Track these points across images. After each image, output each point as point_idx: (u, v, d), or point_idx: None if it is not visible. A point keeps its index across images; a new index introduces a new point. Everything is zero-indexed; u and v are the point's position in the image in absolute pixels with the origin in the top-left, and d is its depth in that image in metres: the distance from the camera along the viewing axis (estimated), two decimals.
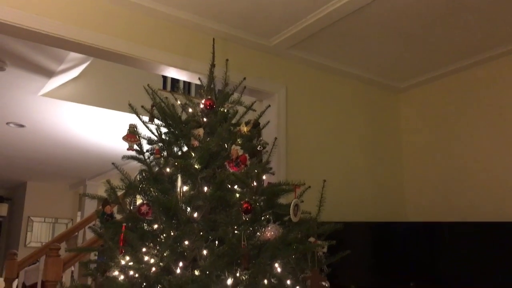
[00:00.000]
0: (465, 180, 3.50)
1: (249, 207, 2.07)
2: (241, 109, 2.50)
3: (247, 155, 2.23)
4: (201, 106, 2.38)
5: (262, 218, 2.23)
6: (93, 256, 2.76)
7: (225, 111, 2.43)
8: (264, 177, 2.31)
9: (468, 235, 2.96)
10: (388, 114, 4.04)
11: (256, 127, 2.44)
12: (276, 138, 2.52)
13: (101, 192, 2.42)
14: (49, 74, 3.77)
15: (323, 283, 2.06)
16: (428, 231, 3.04)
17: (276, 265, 2.13)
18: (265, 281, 2.07)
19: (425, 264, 2.96)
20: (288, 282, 2.15)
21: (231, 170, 2.20)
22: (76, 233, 4.32)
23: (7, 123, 4.96)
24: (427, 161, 3.79)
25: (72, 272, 3.84)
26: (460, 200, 3.50)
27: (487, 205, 3.34)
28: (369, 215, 3.59)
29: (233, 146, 2.23)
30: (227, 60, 2.69)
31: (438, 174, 3.69)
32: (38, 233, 7.88)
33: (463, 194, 3.49)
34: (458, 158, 3.58)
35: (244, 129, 2.35)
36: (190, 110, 2.45)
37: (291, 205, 2.14)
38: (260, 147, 2.41)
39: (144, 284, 2.09)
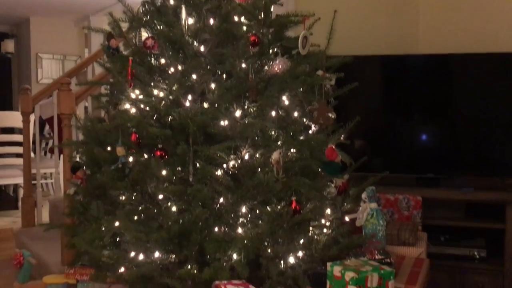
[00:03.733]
0: (487, 7, 3.28)
1: (256, 40, 2.03)
2: None
3: None
4: None
5: (270, 51, 2.19)
6: (103, 90, 2.81)
7: None
8: (272, 8, 2.21)
9: (487, 67, 2.88)
10: None
11: None
12: None
13: (106, 27, 2.37)
14: None
15: (330, 115, 2.10)
16: (443, 64, 2.98)
17: (284, 97, 2.16)
18: (273, 113, 2.12)
19: (437, 99, 2.96)
20: (295, 114, 2.21)
21: (238, 1, 2.10)
22: (85, 69, 4.35)
23: None
24: None
25: (86, 106, 3.96)
26: (480, 30, 3.34)
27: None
28: (380, 48, 3.51)
29: None
30: None
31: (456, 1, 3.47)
32: (48, 69, 7.96)
33: (484, 23, 3.31)
34: None
35: None
36: None
37: (300, 37, 2.08)
38: None
39: (155, 116, 2.15)
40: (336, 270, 1.70)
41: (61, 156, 4.04)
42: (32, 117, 3.98)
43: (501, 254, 2.65)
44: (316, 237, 2.12)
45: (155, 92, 2.14)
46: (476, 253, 2.74)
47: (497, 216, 2.67)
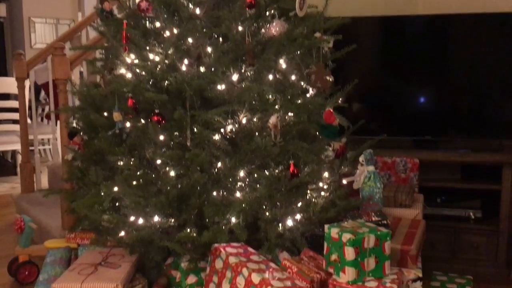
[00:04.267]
0: None
1: (252, 2, 2.00)
2: None
3: None
4: None
5: (267, 13, 2.15)
6: (98, 54, 2.77)
7: None
8: None
9: (485, 28, 2.83)
10: None
11: None
12: None
13: None
14: None
15: (327, 78, 2.08)
16: (442, 25, 2.93)
17: (281, 61, 2.13)
18: (270, 77, 2.10)
19: (436, 61, 2.93)
20: (293, 77, 2.19)
21: None
22: (79, 33, 4.28)
23: None
24: None
25: (81, 72, 3.92)
26: None
27: None
28: (379, 9, 3.45)
29: None
30: None
31: None
32: (41, 34, 7.83)
33: None
34: None
35: None
36: None
37: None
38: None
39: (151, 81, 2.13)
40: (334, 232, 1.72)
41: (58, 122, 4.03)
42: (27, 83, 3.94)
43: (496, 215, 2.69)
44: (313, 200, 2.14)
45: (151, 56, 2.11)
46: (471, 213, 2.78)
47: (493, 178, 2.69)
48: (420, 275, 1.84)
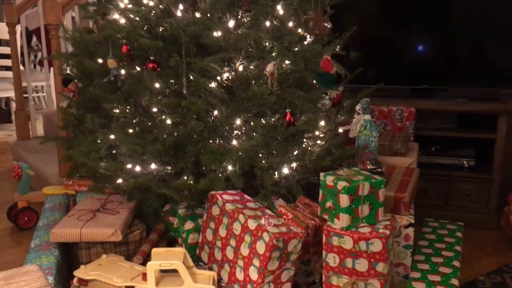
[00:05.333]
0: None
1: None
2: None
3: None
4: None
5: None
6: None
7: None
8: None
9: None
10: None
11: None
12: None
13: None
14: None
15: (326, 25, 2.04)
16: None
17: (278, 6, 2.09)
18: (267, 23, 2.06)
19: (434, 9, 2.87)
20: (290, 24, 2.15)
21: None
22: None
23: None
24: None
25: (73, 17, 3.82)
26: None
27: None
28: None
29: None
30: None
31: None
32: None
33: None
34: None
35: None
36: None
37: None
38: None
39: (146, 26, 2.09)
40: (329, 179, 1.74)
41: (51, 68, 3.97)
42: (18, 28, 3.86)
43: (489, 164, 2.72)
44: (309, 149, 2.16)
45: (145, 1, 2.05)
46: (465, 162, 2.81)
47: (488, 127, 2.70)
48: (413, 221, 1.89)
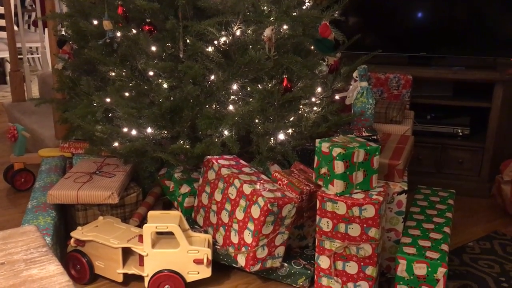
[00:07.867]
0: None
1: None
2: None
3: None
4: None
5: None
6: None
7: None
8: None
9: None
10: None
11: None
12: None
13: None
14: None
15: None
16: None
17: None
18: None
19: None
20: None
21: None
22: None
23: None
24: None
25: None
26: None
27: None
28: None
29: None
30: None
31: None
32: None
33: None
34: None
35: None
36: None
37: None
38: None
39: None
40: (324, 146, 1.76)
41: (46, 29, 3.91)
42: None
43: (484, 133, 2.73)
44: (305, 115, 2.16)
45: None
46: (459, 130, 2.82)
47: (484, 96, 2.71)
48: (406, 188, 1.91)
